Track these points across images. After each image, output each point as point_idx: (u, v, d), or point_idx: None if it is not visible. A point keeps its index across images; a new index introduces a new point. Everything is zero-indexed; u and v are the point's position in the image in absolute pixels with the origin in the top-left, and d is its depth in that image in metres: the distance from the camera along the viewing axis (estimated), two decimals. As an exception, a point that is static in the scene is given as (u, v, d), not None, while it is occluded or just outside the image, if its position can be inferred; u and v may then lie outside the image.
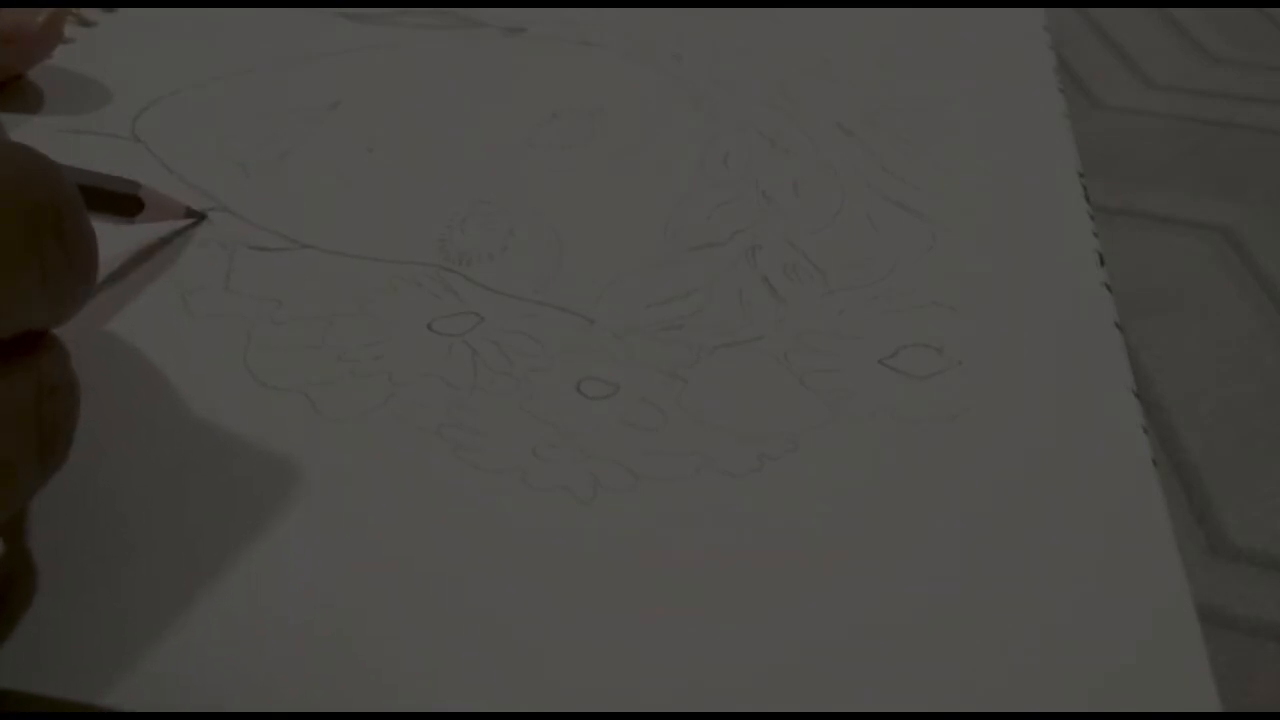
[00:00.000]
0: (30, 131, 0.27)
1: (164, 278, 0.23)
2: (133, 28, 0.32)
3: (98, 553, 0.17)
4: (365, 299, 0.23)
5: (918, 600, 0.17)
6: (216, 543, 0.17)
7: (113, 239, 0.22)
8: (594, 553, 0.18)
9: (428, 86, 0.30)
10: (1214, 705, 0.16)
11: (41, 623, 0.16)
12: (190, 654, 0.16)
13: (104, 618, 0.16)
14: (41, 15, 0.28)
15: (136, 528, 0.18)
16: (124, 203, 0.23)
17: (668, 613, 0.17)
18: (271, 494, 0.18)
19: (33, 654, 0.16)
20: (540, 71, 0.31)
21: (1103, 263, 0.24)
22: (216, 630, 0.16)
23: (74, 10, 0.32)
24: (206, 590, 0.17)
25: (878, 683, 0.16)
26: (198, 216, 0.25)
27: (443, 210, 0.25)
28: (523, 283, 0.23)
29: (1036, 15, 0.36)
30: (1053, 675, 0.16)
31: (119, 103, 0.29)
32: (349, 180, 0.26)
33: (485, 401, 0.20)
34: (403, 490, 0.19)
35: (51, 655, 0.16)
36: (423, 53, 0.32)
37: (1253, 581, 0.21)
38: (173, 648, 0.16)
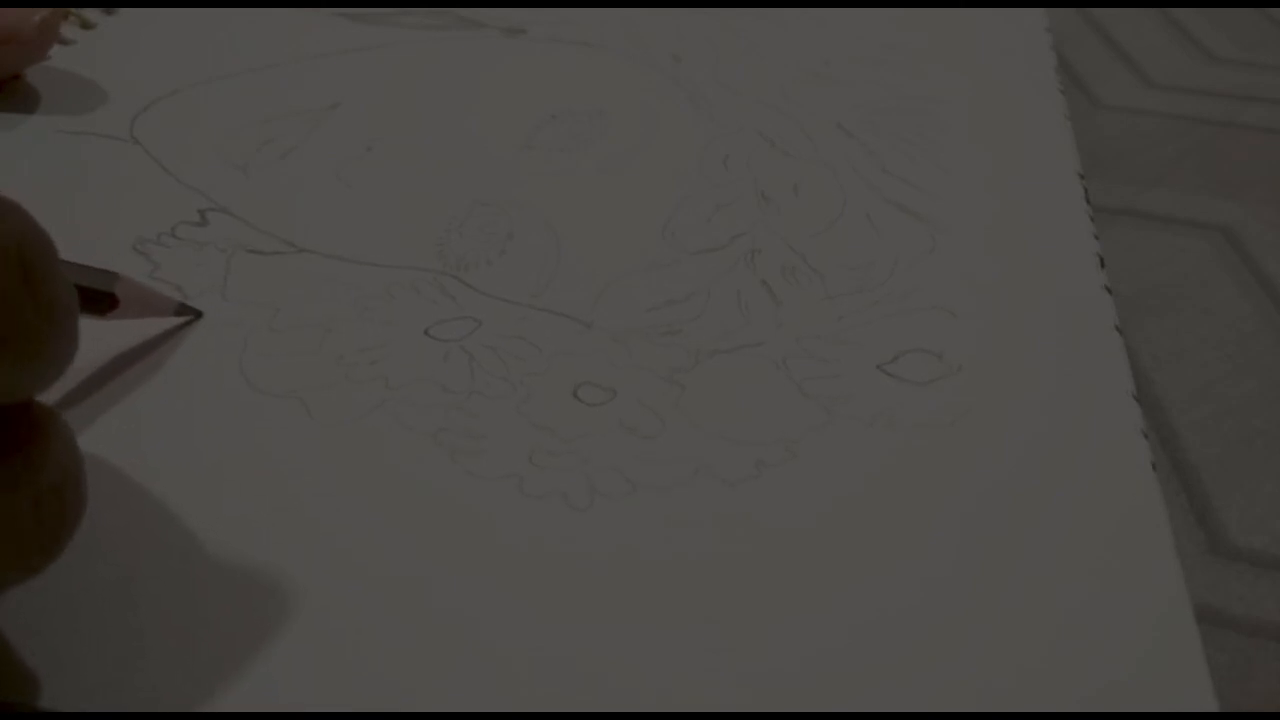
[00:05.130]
0: (28, 132, 0.27)
1: (161, 281, 0.23)
2: (132, 28, 0.32)
3: (91, 557, 0.17)
4: (362, 304, 0.22)
5: (917, 604, 0.17)
6: (211, 546, 0.17)
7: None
8: (590, 559, 0.18)
9: (427, 87, 0.30)
10: (1212, 705, 0.16)
11: (34, 626, 0.16)
12: (186, 655, 0.16)
13: (99, 622, 0.16)
14: (39, 15, 0.28)
15: (130, 533, 0.18)
16: (92, 297, 0.19)
17: (665, 619, 0.17)
18: (266, 499, 0.18)
19: (28, 659, 0.16)
20: (540, 72, 0.31)
21: (1103, 265, 0.24)
22: (212, 632, 0.16)
23: (74, 11, 0.32)
24: (201, 593, 0.17)
25: (877, 685, 0.16)
26: (192, 314, 0.21)
27: (441, 213, 0.25)
28: (520, 287, 0.23)
29: (1037, 15, 0.36)
30: (1051, 675, 0.16)
31: (117, 103, 0.29)
32: (348, 182, 0.26)
33: (482, 407, 0.20)
34: (398, 496, 0.19)
35: (46, 661, 0.16)
36: (423, 53, 0.32)
37: (1252, 581, 0.21)
38: (168, 649, 0.16)
